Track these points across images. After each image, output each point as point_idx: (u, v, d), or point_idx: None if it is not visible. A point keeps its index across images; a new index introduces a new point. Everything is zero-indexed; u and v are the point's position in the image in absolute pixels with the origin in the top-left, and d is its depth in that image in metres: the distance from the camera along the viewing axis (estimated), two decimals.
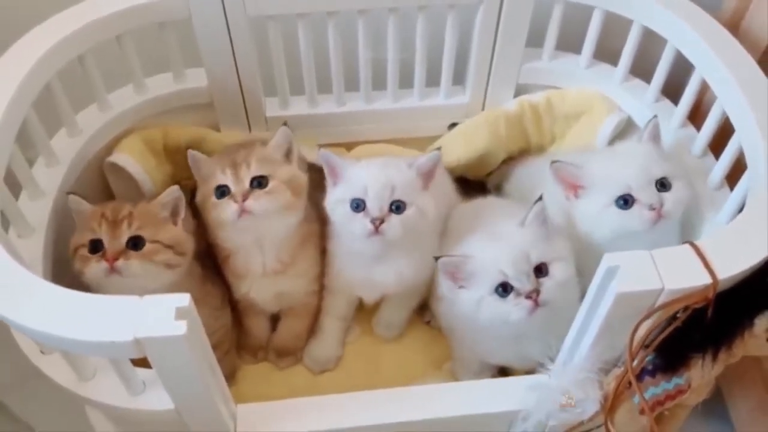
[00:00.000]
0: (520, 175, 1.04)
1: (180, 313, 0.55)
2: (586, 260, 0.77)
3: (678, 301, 0.60)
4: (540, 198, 0.77)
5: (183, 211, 0.82)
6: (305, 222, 0.89)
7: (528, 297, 0.74)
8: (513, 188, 1.04)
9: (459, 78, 1.03)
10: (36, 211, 0.79)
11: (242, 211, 0.82)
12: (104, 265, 0.76)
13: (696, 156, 0.89)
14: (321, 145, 0.94)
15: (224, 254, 0.90)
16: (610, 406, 0.66)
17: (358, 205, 0.81)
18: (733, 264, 0.61)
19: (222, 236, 0.87)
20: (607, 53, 0.99)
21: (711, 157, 0.88)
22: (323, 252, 0.94)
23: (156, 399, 0.64)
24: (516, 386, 0.71)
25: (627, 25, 0.92)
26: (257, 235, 0.87)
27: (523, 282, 0.74)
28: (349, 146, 1.04)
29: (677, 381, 0.67)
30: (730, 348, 0.67)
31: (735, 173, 0.80)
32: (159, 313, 0.55)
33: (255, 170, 0.83)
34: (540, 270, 0.75)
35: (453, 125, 1.04)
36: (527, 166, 1.04)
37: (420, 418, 0.70)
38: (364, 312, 1.01)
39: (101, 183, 0.94)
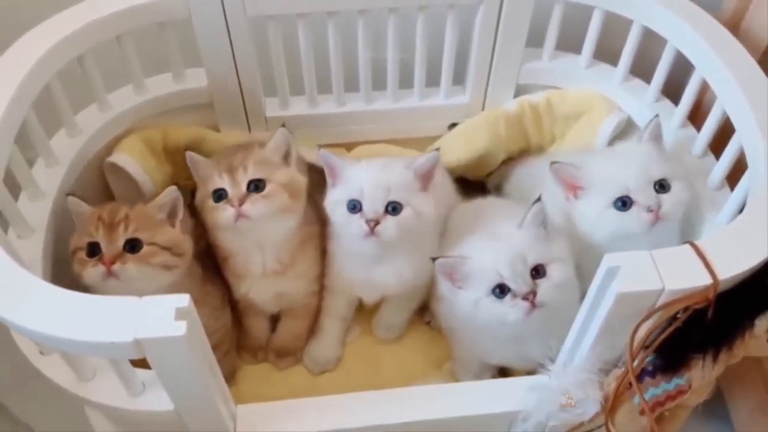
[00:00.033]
0: (520, 176, 1.04)
1: (180, 314, 0.55)
2: (586, 260, 0.77)
3: (678, 301, 0.60)
4: (538, 199, 0.77)
5: (181, 212, 0.82)
6: (305, 223, 0.89)
7: (524, 298, 0.74)
8: (513, 188, 1.04)
9: (459, 78, 1.03)
10: (36, 211, 0.79)
11: (239, 216, 0.81)
12: (101, 269, 0.76)
13: (696, 156, 0.89)
14: (321, 146, 0.94)
15: (224, 255, 0.90)
16: (611, 406, 0.66)
17: (355, 206, 0.81)
18: (733, 264, 0.61)
19: (221, 238, 0.87)
20: (607, 53, 0.99)
21: (711, 157, 0.88)
22: (323, 252, 0.94)
23: (156, 399, 0.64)
24: (516, 387, 0.71)
25: (627, 25, 0.92)
26: (256, 238, 0.86)
27: (519, 283, 0.74)
28: (349, 146, 1.04)
29: (677, 381, 0.67)
30: (731, 348, 0.67)
31: (735, 173, 0.80)
32: (159, 314, 0.55)
33: (252, 174, 0.83)
34: (537, 271, 0.75)
35: (453, 125, 1.04)
36: (527, 167, 1.03)
37: (420, 419, 0.70)
38: (364, 312, 1.01)
39: (101, 183, 0.94)
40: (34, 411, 1.04)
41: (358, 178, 0.82)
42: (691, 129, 0.92)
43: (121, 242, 0.77)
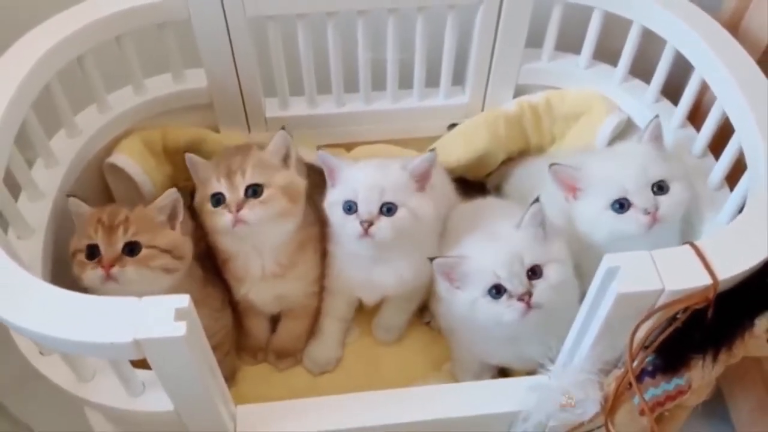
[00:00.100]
0: (520, 176, 1.04)
1: (179, 314, 0.55)
2: (586, 261, 0.77)
3: (678, 301, 0.60)
4: (536, 199, 0.77)
5: (181, 215, 0.82)
6: (304, 225, 0.89)
7: (520, 299, 0.74)
8: (512, 189, 1.04)
9: (458, 78, 1.03)
10: (35, 212, 0.79)
11: (236, 221, 0.81)
12: (100, 272, 0.76)
13: (696, 156, 0.89)
14: (321, 146, 0.94)
15: (223, 257, 0.90)
16: (611, 406, 0.66)
17: (350, 207, 0.82)
18: (733, 264, 0.61)
19: (220, 241, 0.87)
20: (606, 54, 0.99)
21: (711, 157, 0.88)
22: (323, 254, 0.94)
23: (155, 400, 0.64)
24: (516, 387, 0.71)
25: (626, 25, 0.92)
26: (254, 242, 0.86)
27: (515, 284, 0.74)
28: (348, 147, 1.04)
29: (677, 382, 0.67)
30: (731, 349, 0.67)
31: (735, 173, 0.80)
32: (158, 314, 0.55)
33: (250, 178, 0.82)
34: (534, 272, 0.75)
35: (452, 126, 1.04)
36: (527, 167, 1.04)
37: (420, 419, 0.70)
38: (363, 313, 1.01)
39: (101, 184, 0.94)
40: (34, 411, 1.04)
41: (354, 179, 0.82)
42: (691, 129, 0.92)
43: (120, 245, 0.77)
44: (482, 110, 1.04)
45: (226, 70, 0.94)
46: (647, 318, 0.61)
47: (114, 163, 0.91)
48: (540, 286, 0.75)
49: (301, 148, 0.93)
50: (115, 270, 0.76)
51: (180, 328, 0.54)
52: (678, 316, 0.62)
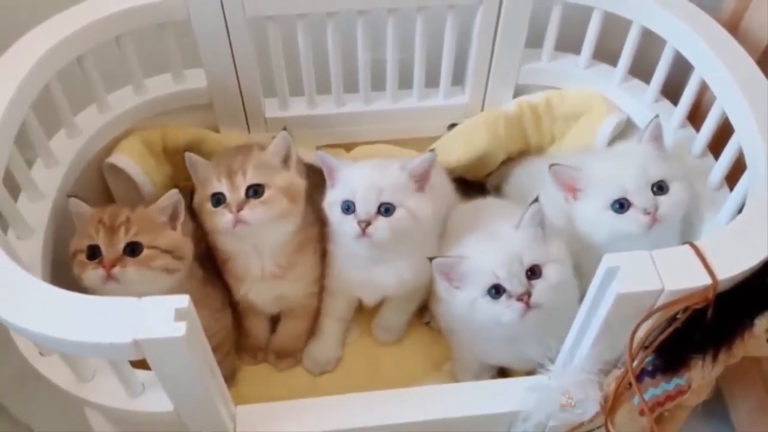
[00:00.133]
0: (520, 176, 1.04)
1: (179, 315, 0.55)
2: (586, 261, 0.77)
3: (678, 301, 0.60)
4: (536, 199, 0.77)
5: (182, 215, 0.82)
6: (304, 226, 0.89)
7: (519, 299, 0.74)
8: (512, 189, 1.04)
9: (458, 79, 1.03)
10: (35, 212, 0.79)
11: (237, 221, 0.81)
12: (101, 272, 0.76)
13: (695, 156, 0.89)
14: (320, 147, 0.94)
15: (223, 257, 0.90)
16: (610, 406, 0.66)
17: (348, 207, 0.82)
18: (733, 264, 0.61)
19: (220, 241, 0.87)
20: (606, 54, 0.99)
21: (710, 157, 0.88)
22: (323, 254, 0.94)
23: (155, 400, 0.64)
24: (516, 387, 0.71)
25: (626, 25, 0.92)
26: (254, 242, 0.86)
27: (514, 284, 0.74)
28: (348, 147, 1.04)
29: (677, 382, 0.67)
30: (730, 348, 0.67)
31: (734, 173, 0.80)
32: (158, 315, 0.55)
33: (251, 178, 0.82)
34: (533, 272, 0.75)
35: (452, 126, 1.04)
36: (527, 167, 1.04)
37: (420, 419, 0.70)
38: (363, 313, 1.01)
39: (100, 184, 0.94)
40: (34, 411, 1.04)
41: (353, 179, 0.82)
42: (691, 129, 0.92)
43: (121, 245, 0.77)
44: (482, 110, 1.04)
45: (225, 70, 0.94)
46: (647, 318, 0.61)
47: (114, 164, 0.91)
48: (539, 286, 0.75)
49: (300, 149, 0.93)
50: (116, 270, 0.76)
51: (180, 329, 0.54)
52: (678, 316, 0.62)
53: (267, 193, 0.83)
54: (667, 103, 0.95)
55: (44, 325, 0.56)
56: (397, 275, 0.88)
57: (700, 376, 0.68)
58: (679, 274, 0.59)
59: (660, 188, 0.80)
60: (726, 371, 0.72)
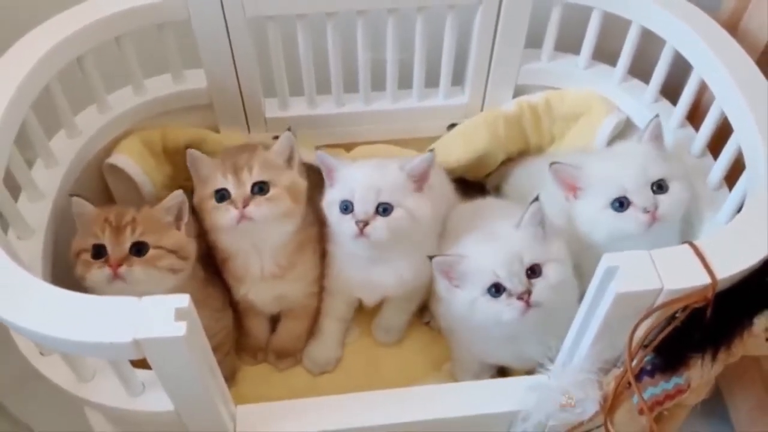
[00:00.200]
0: (519, 176, 1.04)
1: (179, 314, 0.55)
2: (586, 260, 0.77)
3: (677, 301, 0.60)
4: (536, 199, 0.77)
5: (186, 216, 0.82)
6: (303, 226, 0.89)
7: (519, 298, 0.74)
8: (512, 189, 1.04)
9: (458, 79, 1.03)
10: (35, 212, 0.79)
11: (242, 217, 0.81)
12: (107, 271, 0.76)
13: (695, 156, 0.89)
14: (320, 147, 0.95)
15: (223, 256, 0.90)
16: (610, 406, 0.66)
17: (347, 207, 0.82)
18: (732, 264, 0.61)
19: (220, 239, 0.87)
20: (605, 54, 0.99)
21: (710, 157, 0.88)
22: (323, 254, 0.94)
23: (155, 400, 0.64)
24: (516, 387, 0.71)
25: (625, 25, 0.92)
26: (254, 241, 0.86)
27: (514, 283, 0.74)
28: (348, 147, 1.04)
29: (676, 381, 0.67)
30: (730, 348, 0.67)
31: (734, 173, 0.81)
32: (158, 314, 0.55)
33: (257, 175, 0.83)
34: (533, 271, 0.75)
35: (452, 126, 1.04)
36: (526, 167, 1.04)
37: (420, 419, 0.70)
38: (363, 313, 1.01)
39: (100, 184, 0.94)
40: (34, 411, 1.04)
41: (352, 179, 0.82)
42: (690, 129, 0.92)
43: (127, 245, 0.77)
44: (482, 110, 1.04)
45: (225, 70, 0.94)
46: (646, 317, 0.61)
47: (114, 164, 0.91)
48: (539, 285, 0.75)
49: (300, 148, 0.93)
50: (122, 269, 0.76)
51: (180, 328, 0.54)
52: (677, 315, 0.62)
53: (272, 191, 0.83)
54: (666, 103, 0.95)
55: (44, 324, 0.56)
56: (396, 275, 0.88)
57: (700, 375, 0.68)
58: (678, 274, 0.60)
59: (660, 187, 0.80)
60: (725, 370, 0.72)
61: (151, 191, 0.93)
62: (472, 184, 1.08)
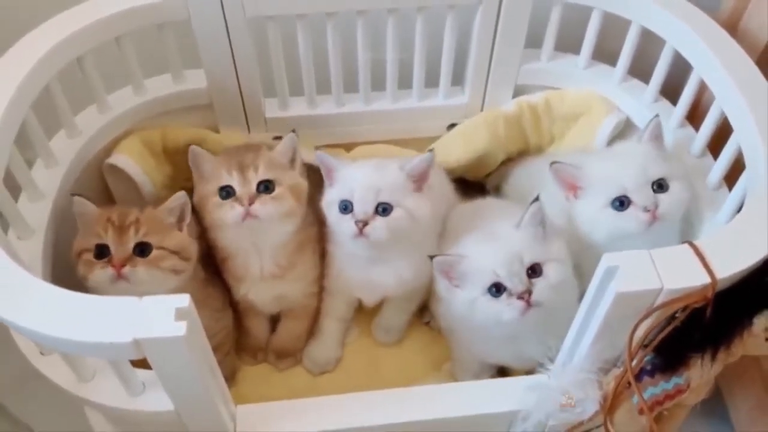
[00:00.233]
0: (519, 176, 1.04)
1: (180, 314, 0.55)
2: (586, 260, 0.77)
3: (677, 300, 0.60)
4: (536, 198, 0.77)
5: (188, 217, 0.82)
6: (303, 226, 0.89)
7: (520, 297, 0.74)
8: (512, 189, 1.05)
9: (458, 79, 1.03)
10: (35, 212, 0.79)
11: (247, 215, 0.82)
12: (110, 271, 0.76)
13: (695, 156, 0.89)
14: (320, 147, 0.94)
15: (222, 256, 0.90)
16: (610, 406, 0.66)
17: (346, 207, 0.82)
18: (732, 264, 0.61)
19: (221, 237, 0.87)
20: (605, 54, 0.99)
21: (709, 157, 0.88)
22: (323, 254, 0.94)
23: (155, 400, 0.64)
24: (516, 386, 0.71)
25: (625, 25, 0.92)
26: (254, 240, 0.87)
27: (515, 282, 0.74)
28: (348, 147, 1.04)
29: (676, 381, 0.67)
30: (729, 347, 0.67)
31: (734, 173, 0.81)
32: (158, 314, 0.55)
33: (263, 174, 0.83)
34: (534, 270, 0.75)
35: (452, 126, 1.04)
36: (526, 167, 1.04)
37: (420, 419, 0.70)
38: (363, 313, 1.01)
39: (100, 184, 0.94)
40: (34, 411, 1.04)
41: (351, 179, 0.83)
42: (690, 129, 0.92)
43: (131, 245, 0.77)
44: (481, 110, 1.04)
45: (225, 70, 0.94)
46: (646, 317, 0.61)
47: (114, 164, 0.92)
48: (540, 285, 0.75)
49: (300, 148, 0.93)
50: (126, 270, 0.76)
51: (180, 328, 0.54)
52: (677, 315, 0.62)
53: (277, 190, 0.83)
54: (666, 103, 0.95)
55: (44, 324, 0.56)
56: (396, 275, 0.89)
57: (699, 375, 0.68)
58: (678, 273, 0.60)
59: (660, 186, 0.80)
60: (725, 370, 0.72)
61: (151, 191, 0.93)
62: (472, 184, 1.08)
